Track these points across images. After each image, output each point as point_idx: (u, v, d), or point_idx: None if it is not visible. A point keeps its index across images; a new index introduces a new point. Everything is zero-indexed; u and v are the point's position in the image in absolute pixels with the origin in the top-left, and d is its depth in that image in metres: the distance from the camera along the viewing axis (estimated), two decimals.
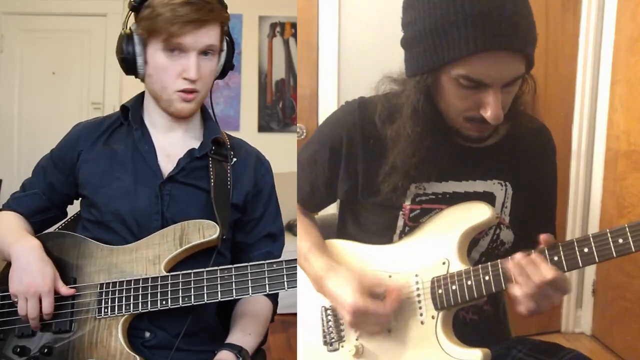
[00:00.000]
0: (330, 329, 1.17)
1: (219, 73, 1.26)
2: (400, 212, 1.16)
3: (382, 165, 1.13)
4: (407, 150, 1.09)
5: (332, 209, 1.37)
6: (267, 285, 1.11)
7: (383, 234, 1.18)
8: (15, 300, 1.14)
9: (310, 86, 2.66)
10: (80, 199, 1.30)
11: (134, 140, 1.25)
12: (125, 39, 1.19)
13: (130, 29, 1.20)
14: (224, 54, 1.24)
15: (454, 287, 1.08)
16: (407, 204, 1.16)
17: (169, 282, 1.13)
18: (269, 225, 1.32)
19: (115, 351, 1.14)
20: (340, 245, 1.24)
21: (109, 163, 1.24)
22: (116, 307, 1.15)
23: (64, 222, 1.35)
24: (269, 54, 4.44)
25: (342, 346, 1.16)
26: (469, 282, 1.06)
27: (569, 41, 2.63)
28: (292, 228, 3.87)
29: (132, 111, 1.26)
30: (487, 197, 1.15)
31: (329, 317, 1.18)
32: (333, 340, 1.17)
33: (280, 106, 4.44)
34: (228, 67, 1.27)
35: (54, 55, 4.28)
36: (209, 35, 1.17)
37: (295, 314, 1.24)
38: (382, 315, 1.07)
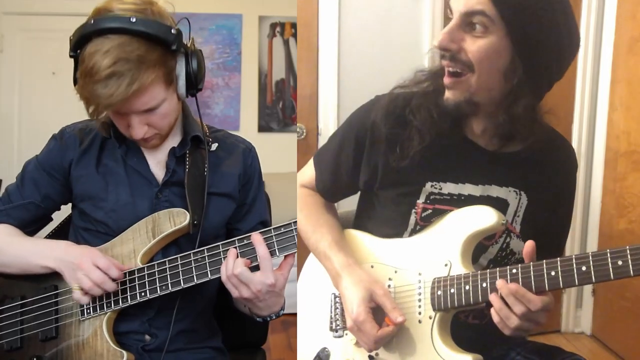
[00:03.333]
0: (337, 316, 1.19)
1: (184, 94, 1.16)
2: (413, 210, 1.16)
3: (399, 158, 1.15)
4: (423, 150, 1.12)
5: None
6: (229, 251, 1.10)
7: (395, 230, 1.19)
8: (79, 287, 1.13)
9: (310, 86, 2.66)
10: (72, 206, 1.29)
11: (122, 155, 1.23)
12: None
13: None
14: (181, 82, 1.13)
15: (452, 290, 1.07)
16: (421, 202, 1.16)
17: (146, 273, 1.14)
18: (262, 212, 1.32)
19: (103, 350, 1.15)
20: (355, 235, 1.26)
21: (104, 179, 1.22)
22: (97, 306, 1.16)
23: (53, 230, 1.35)
24: (269, 54, 4.44)
25: (346, 334, 1.17)
26: (467, 287, 1.06)
27: None
28: None
29: (113, 128, 1.21)
30: (500, 204, 1.15)
31: (337, 305, 1.19)
32: (338, 327, 1.19)
33: (280, 106, 4.44)
34: (197, 80, 1.15)
35: (54, 55, 4.27)
36: (143, 100, 1.08)
37: (295, 314, 1.25)
38: (371, 338, 1.08)
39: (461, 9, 1.02)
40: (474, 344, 1.09)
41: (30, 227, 1.27)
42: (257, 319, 1.19)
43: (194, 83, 1.15)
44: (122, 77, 1.02)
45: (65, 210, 1.33)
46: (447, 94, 1.09)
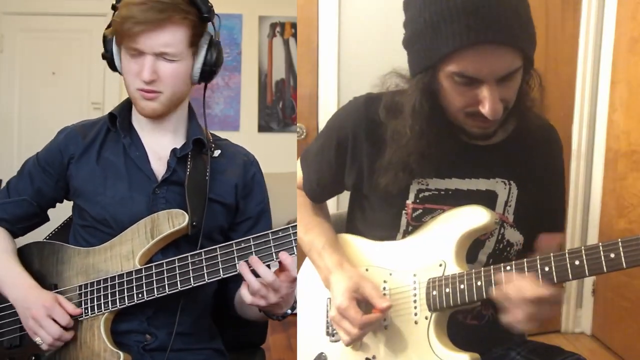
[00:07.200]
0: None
1: (197, 76, 1.21)
2: (404, 211, 1.16)
3: (382, 159, 1.13)
4: (405, 149, 1.09)
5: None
6: (237, 265, 1.10)
7: (387, 232, 1.19)
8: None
9: (310, 86, 2.66)
10: (72, 203, 1.29)
11: (124, 147, 1.24)
12: (106, 40, 1.20)
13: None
14: (200, 58, 1.20)
15: (447, 290, 1.08)
16: (410, 201, 1.15)
17: (143, 274, 1.15)
18: (269, 228, 1.31)
19: (100, 350, 1.15)
20: (349, 240, 1.26)
21: (103, 172, 1.23)
22: (95, 306, 1.17)
23: (54, 230, 1.36)
24: (269, 54, 4.44)
25: None
26: (462, 286, 1.06)
27: (569, 41, 2.63)
28: None
29: (119, 118, 1.24)
30: (489, 196, 1.15)
31: None
32: (334, 331, 1.18)
33: (280, 106, 4.44)
34: (212, 69, 1.21)
35: (54, 55, 4.27)
36: (165, 39, 1.12)
37: (295, 314, 1.25)
38: (355, 323, 1.07)
39: (495, 77, 0.99)
40: (473, 345, 1.09)
41: (23, 223, 1.29)
42: (275, 318, 1.18)
43: (208, 71, 1.20)
44: (158, 4, 1.10)
45: (67, 211, 1.33)
46: (479, 131, 1.08)
